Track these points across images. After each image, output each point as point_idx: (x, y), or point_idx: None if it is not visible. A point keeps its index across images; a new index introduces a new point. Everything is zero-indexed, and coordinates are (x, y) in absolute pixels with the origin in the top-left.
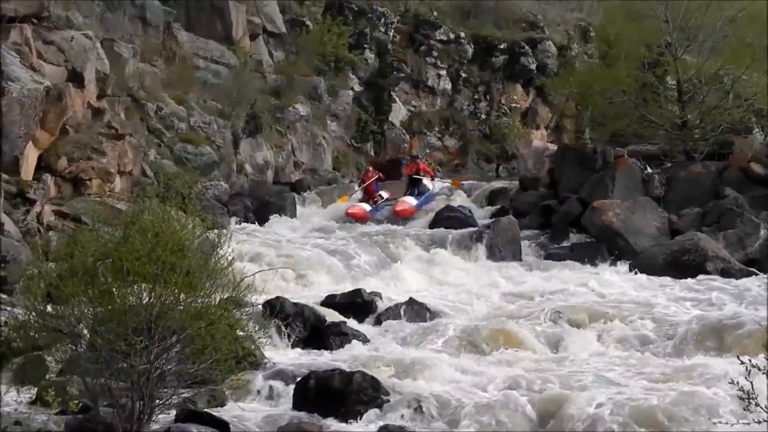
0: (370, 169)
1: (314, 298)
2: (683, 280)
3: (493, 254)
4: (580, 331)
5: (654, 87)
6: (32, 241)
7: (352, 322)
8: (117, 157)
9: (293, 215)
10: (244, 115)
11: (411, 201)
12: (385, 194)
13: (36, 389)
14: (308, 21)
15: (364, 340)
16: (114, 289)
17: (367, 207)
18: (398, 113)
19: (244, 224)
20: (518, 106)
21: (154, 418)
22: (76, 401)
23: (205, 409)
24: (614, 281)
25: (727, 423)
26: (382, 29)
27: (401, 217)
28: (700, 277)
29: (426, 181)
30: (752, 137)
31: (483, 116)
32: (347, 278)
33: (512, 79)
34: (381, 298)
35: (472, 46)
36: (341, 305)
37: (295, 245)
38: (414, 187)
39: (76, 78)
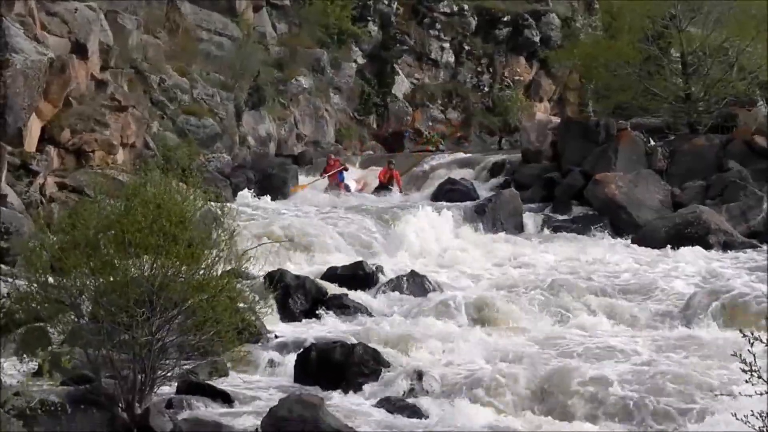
0: (332, 157)
1: (316, 271)
2: (685, 253)
3: (495, 227)
4: (582, 303)
5: (658, 59)
6: (35, 213)
7: (353, 295)
8: (120, 129)
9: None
10: (247, 87)
11: None
12: (353, 185)
13: (38, 361)
14: None
15: (366, 312)
16: (116, 261)
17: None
18: (401, 86)
19: (254, 198)
20: (521, 78)
21: (155, 390)
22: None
23: (207, 381)
24: (617, 253)
25: (729, 395)
26: (386, 1)
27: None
28: (703, 249)
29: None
30: (756, 110)
31: (486, 89)
32: (348, 251)
33: (515, 51)
34: (382, 270)
35: (476, 19)
36: (343, 277)
37: (296, 218)
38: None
39: (79, 50)
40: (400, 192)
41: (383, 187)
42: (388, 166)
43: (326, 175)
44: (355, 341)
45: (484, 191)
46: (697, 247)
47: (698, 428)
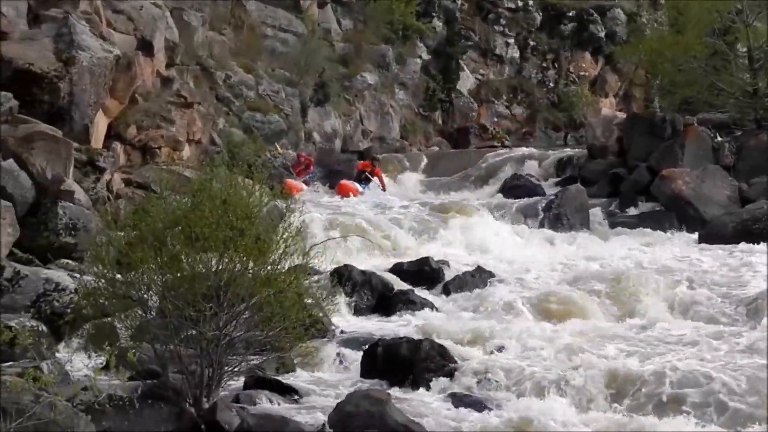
0: (303, 154)
1: (382, 266)
2: (754, 248)
3: (561, 223)
4: (650, 300)
5: (724, 54)
6: (102, 209)
7: (419, 290)
8: (186, 126)
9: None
10: (312, 83)
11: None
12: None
13: (105, 356)
14: None
15: (432, 307)
16: (183, 256)
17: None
18: (466, 82)
19: (320, 194)
20: (587, 74)
21: (222, 385)
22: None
23: (274, 376)
24: (684, 250)
25: None
26: None
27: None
28: None
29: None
30: None
31: (551, 84)
32: (414, 246)
33: (581, 47)
34: (448, 266)
35: (541, 14)
36: (409, 273)
37: (362, 213)
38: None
39: (145, 47)
40: (383, 190)
41: (360, 175)
42: (372, 162)
43: (298, 176)
44: (421, 337)
45: (549, 187)
46: (766, 243)
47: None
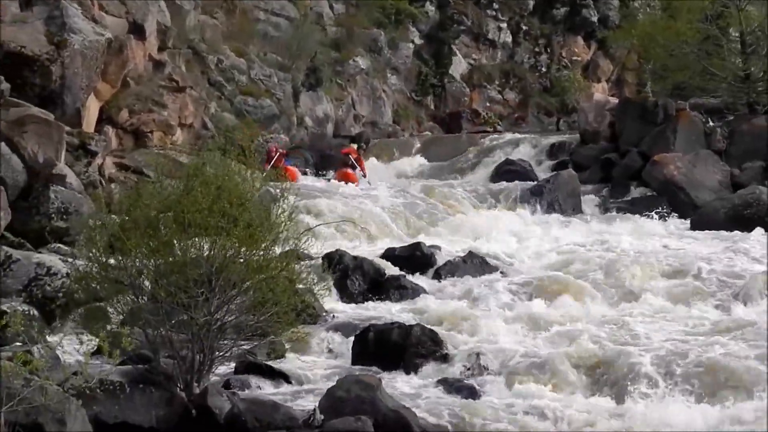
0: (273, 148)
1: (374, 252)
2: (745, 234)
3: (553, 207)
4: (641, 283)
5: (717, 39)
6: (94, 193)
7: (411, 276)
8: (178, 110)
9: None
10: (304, 67)
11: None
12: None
13: (97, 340)
14: None
15: (424, 293)
16: (175, 242)
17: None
18: (458, 66)
19: (312, 178)
20: (579, 59)
21: (214, 370)
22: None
23: (265, 361)
24: (676, 235)
25: None
26: None
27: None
28: (762, 230)
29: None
30: None
31: (543, 69)
32: (406, 231)
33: (573, 31)
34: (440, 251)
35: None
36: (400, 258)
37: (354, 199)
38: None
39: (137, 30)
40: (365, 176)
41: (346, 161)
42: (357, 150)
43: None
44: (413, 322)
45: (542, 172)
46: (758, 228)
47: (750, 407)
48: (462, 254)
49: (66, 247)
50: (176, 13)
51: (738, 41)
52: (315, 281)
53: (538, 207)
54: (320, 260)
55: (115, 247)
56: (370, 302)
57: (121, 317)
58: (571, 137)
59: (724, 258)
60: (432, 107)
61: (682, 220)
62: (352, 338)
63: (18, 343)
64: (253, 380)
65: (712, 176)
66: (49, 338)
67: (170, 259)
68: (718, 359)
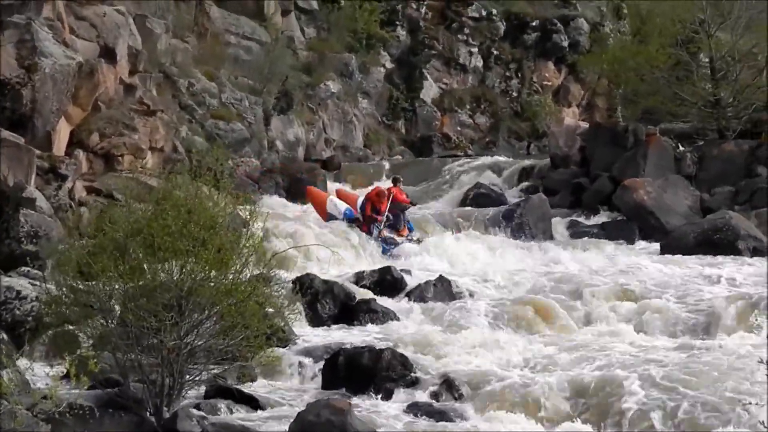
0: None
1: (344, 276)
2: (714, 259)
3: (524, 232)
4: (611, 309)
5: (687, 64)
6: (64, 217)
7: (381, 300)
8: (148, 133)
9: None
10: (276, 91)
11: None
12: (341, 205)
13: (66, 364)
14: None
15: (394, 317)
16: (145, 265)
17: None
18: (429, 91)
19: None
20: (550, 83)
21: (183, 394)
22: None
23: (235, 385)
24: (645, 259)
25: (756, 404)
26: (414, 6)
27: None
28: (732, 255)
29: None
30: None
31: (514, 94)
32: (377, 256)
33: (544, 56)
34: (410, 275)
35: (504, 24)
36: (371, 282)
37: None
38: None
39: (108, 54)
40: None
41: (372, 219)
42: (396, 184)
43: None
44: (383, 346)
45: (512, 196)
46: (727, 253)
47: None
48: (432, 278)
49: (36, 271)
50: (147, 37)
51: (708, 67)
52: (285, 305)
53: (509, 231)
54: (290, 284)
55: (85, 271)
56: (341, 326)
57: (91, 341)
58: (542, 161)
59: (694, 283)
60: (403, 131)
61: (653, 244)
62: (322, 362)
63: None
64: (223, 404)
65: (682, 201)
66: (18, 362)
67: (139, 282)
68: (687, 387)
